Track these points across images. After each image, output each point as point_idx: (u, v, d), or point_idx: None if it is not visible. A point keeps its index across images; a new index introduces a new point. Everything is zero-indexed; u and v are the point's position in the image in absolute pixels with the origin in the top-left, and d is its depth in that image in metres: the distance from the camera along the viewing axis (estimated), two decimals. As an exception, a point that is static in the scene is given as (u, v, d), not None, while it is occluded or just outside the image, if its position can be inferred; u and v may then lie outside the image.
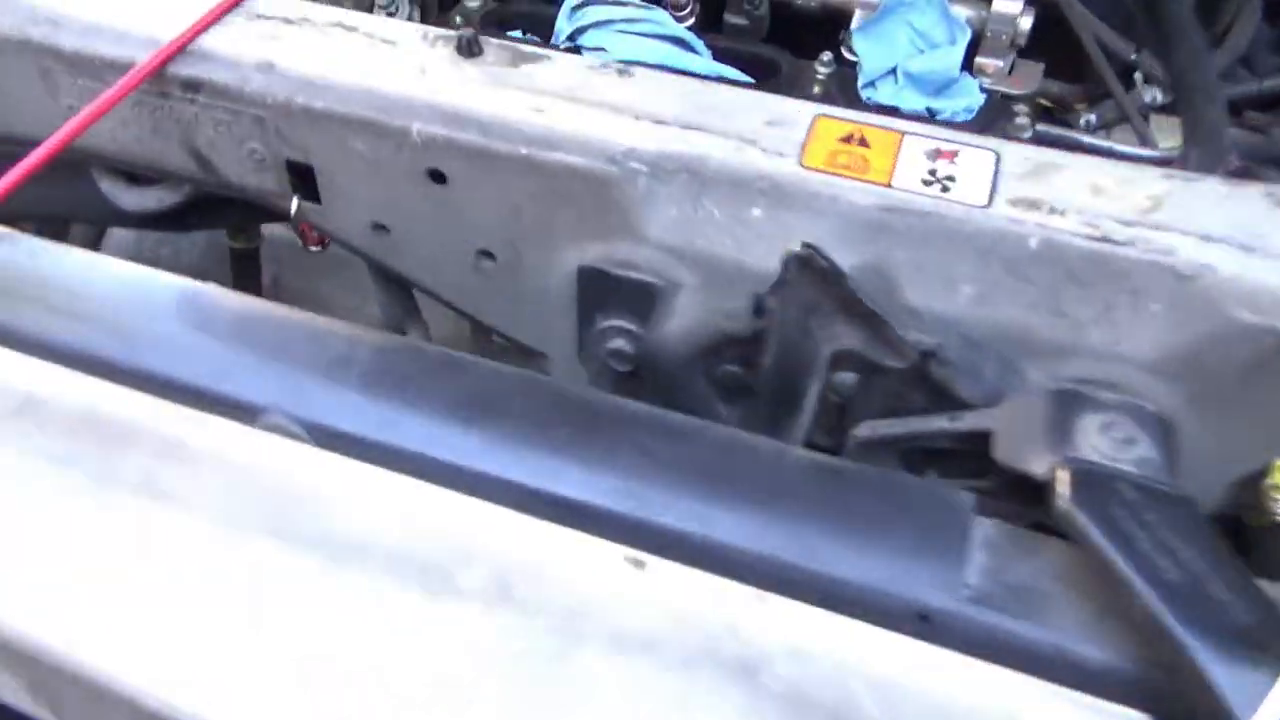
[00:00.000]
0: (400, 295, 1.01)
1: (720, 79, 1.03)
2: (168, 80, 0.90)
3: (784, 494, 0.66)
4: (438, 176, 0.86)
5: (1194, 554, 0.58)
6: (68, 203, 1.13)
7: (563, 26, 1.08)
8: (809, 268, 0.72)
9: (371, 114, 0.85)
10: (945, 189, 0.76)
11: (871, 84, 1.07)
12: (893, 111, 1.03)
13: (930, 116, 1.05)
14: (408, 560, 0.61)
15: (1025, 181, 0.77)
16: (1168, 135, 1.08)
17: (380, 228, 0.92)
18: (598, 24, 1.06)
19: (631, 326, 0.86)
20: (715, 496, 0.66)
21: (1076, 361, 0.75)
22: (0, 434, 0.67)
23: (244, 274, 1.48)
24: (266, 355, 0.76)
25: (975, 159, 0.78)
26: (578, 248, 0.85)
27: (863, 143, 0.79)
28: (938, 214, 0.75)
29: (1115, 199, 0.75)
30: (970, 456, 0.72)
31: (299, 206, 0.93)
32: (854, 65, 1.08)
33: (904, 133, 0.80)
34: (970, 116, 1.04)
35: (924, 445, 0.75)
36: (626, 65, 0.88)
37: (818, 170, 0.78)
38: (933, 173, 0.77)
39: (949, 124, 1.03)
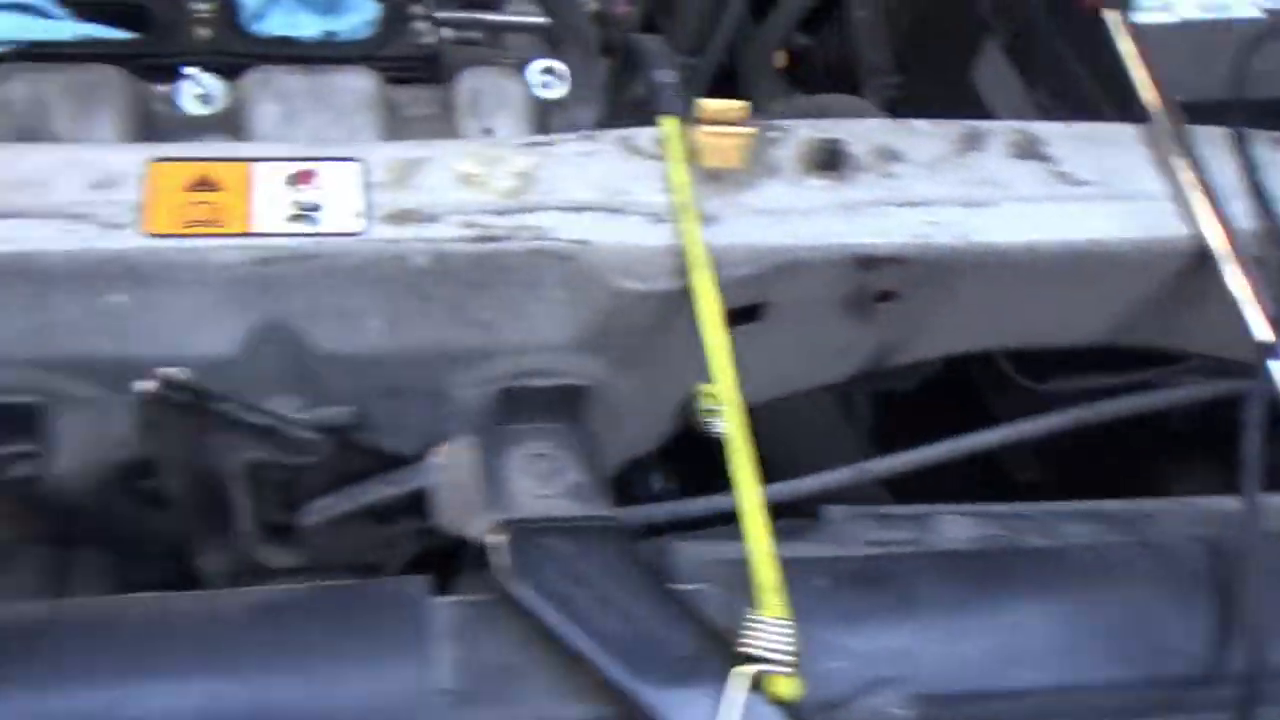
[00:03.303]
0: None
1: (87, 40, 0.91)
2: None
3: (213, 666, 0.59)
4: None
5: (629, 596, 0.60)
6: None
7: None
8: (169, 402, 0.65)
9: None
10: (314, 221, 0.70)
11: (260, 16, 0.95)
12: (288, 44, 0.94)
13: (332, 39, 0.96)
14: None
15: (395, 190, 0.71)
16: None
17: None
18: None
19: (24, 448, 0.73)
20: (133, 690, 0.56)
21: (500, 361, 0.74)
22: None
23: None
24: None
25: (337, 176, 0.71)
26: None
27: (212, 186, 0.71)
28: (314, 254, 0.69)
29: (485, 187, 0.72)
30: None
31: None
32: None
33: (253, 160, 0.72)
34: (370, 31, 0.96)
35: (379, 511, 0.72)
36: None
37: (169, 235, 0.69)
38: (297, 204, 0.71)
39: (348, 44, 0.95)
